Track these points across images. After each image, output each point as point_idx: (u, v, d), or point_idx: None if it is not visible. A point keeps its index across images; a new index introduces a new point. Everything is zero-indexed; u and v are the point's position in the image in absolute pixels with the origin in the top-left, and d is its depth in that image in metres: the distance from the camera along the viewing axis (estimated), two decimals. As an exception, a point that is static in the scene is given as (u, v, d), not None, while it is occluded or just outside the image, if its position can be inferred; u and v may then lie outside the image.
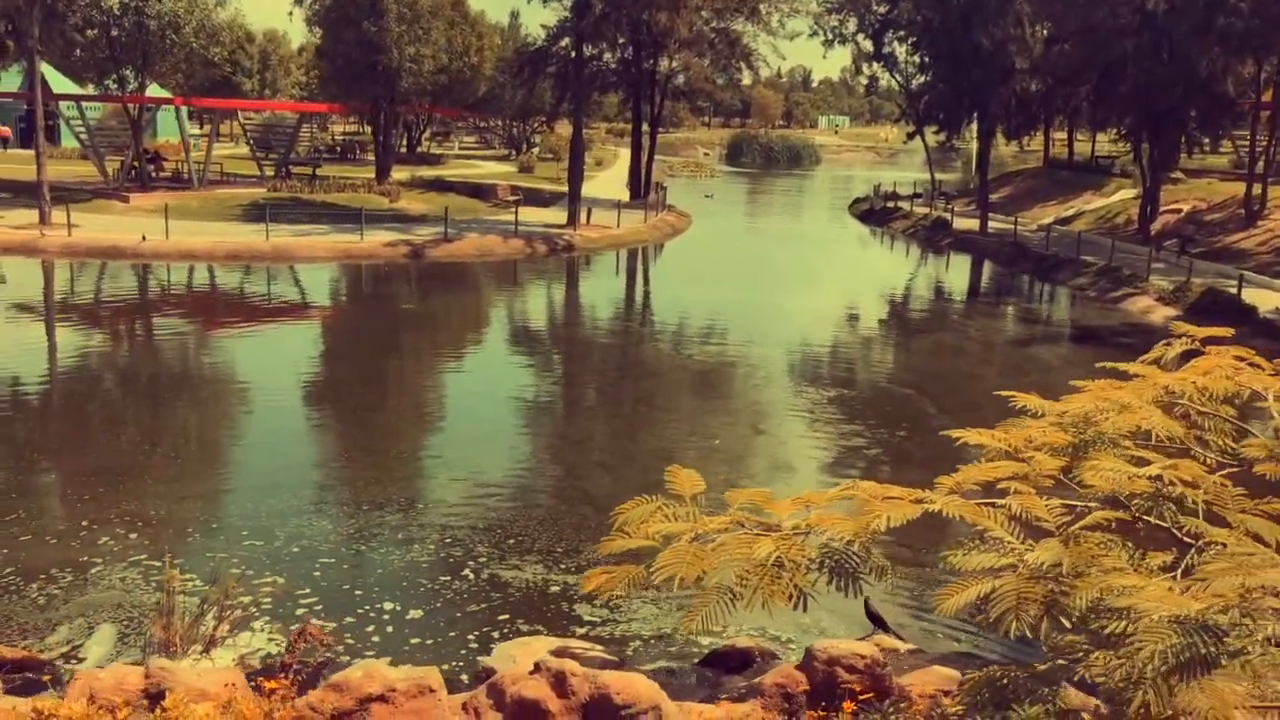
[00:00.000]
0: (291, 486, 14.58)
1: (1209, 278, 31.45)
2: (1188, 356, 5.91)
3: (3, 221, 33.84)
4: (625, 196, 49.98)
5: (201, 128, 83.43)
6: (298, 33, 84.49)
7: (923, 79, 52.34)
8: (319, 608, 11.18)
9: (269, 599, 11.35)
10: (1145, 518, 3.57)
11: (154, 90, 48.82)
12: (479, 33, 64.74)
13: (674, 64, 51.09)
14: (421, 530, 13.13)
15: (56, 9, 33.79)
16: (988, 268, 40.20)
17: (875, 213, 54.58)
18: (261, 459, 15.95)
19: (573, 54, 43.25)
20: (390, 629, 10.77)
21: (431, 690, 5.29)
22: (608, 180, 63.09)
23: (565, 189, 53.14)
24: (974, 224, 45.42)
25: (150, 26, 38.39)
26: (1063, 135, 69.33)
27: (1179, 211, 43.37)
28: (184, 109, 45.25)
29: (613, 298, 33.11)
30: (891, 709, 5.44)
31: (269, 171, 46.65)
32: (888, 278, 37.81)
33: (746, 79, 71.29)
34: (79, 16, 36.85)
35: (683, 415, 18.95)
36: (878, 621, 8.60)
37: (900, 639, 7.17)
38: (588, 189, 56.65)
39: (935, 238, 46.16)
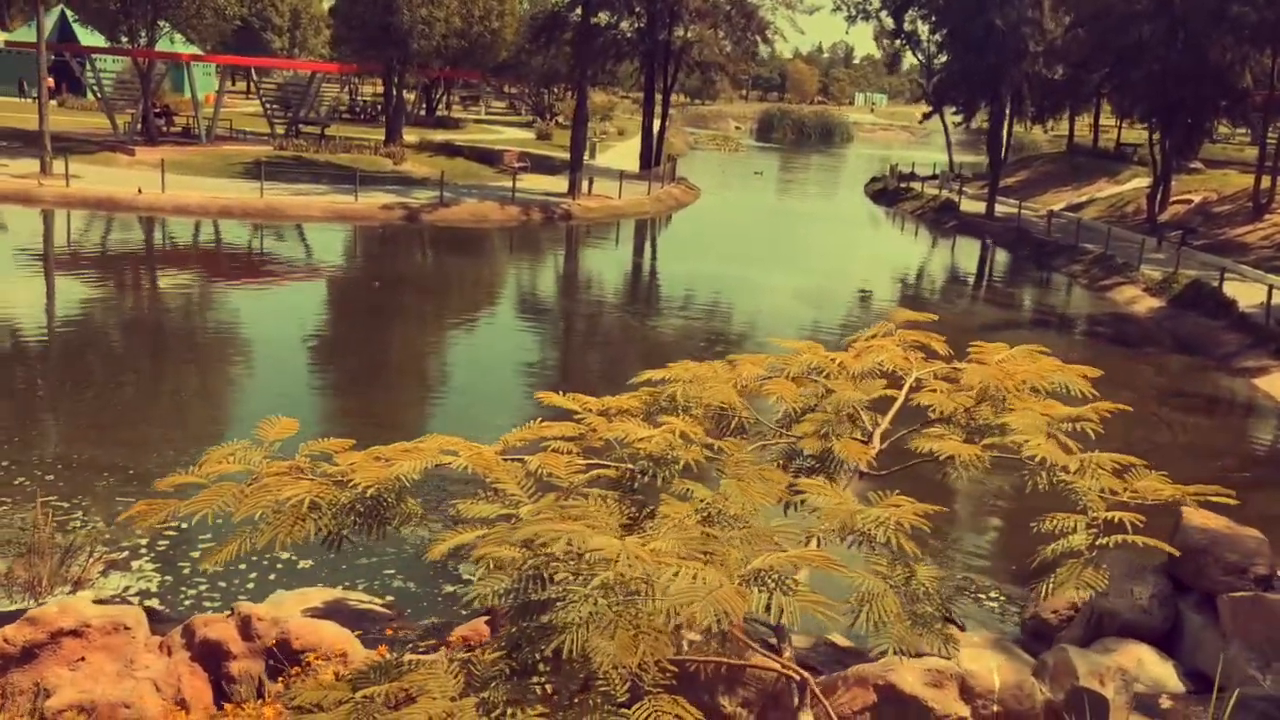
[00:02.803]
0: (222, 438, 14.92)
1: (1204, 270, 31.04)
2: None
3: (5, 170, 34.43)
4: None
5: (234, 84, 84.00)
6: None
7: (943, 58, 51.85)
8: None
9: (164, 543, 11.66)
10: (632, 470, 3.70)
11: (184, 46, 49.27)
12: (501, -2, 64.58)
13: (688, 35, 50.77)
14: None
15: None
16: (987, 252, 39.91)
17: (888, 193, 54.21)
18: (199, 412, 16.29)
19: (586, 19, 43.10)
20: (266, 574, 11.02)
21: (127, 628, 5.53)
22: (627, 150, 62.90)
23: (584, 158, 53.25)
24: (982, 207, 45.06)
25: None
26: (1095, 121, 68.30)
27: (1190, 202, 42.75)
28: (194, 65, 45.65)
29: (593, 267, 33.28)
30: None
31: (280, 130, 47.02)
32: (882, 257, 37.59)
33: (767, 52, 70.30)
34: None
35: (608, 379, 19.11)
36: None
37: None
38: (605, 159, 56.73)
39: (941, 220, 45.82)
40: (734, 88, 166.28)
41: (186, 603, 10.34)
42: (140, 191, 32.50)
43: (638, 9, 48.80)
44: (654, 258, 36.53)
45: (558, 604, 2.95)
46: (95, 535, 10.77)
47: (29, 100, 53.77)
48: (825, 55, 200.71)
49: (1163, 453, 16.99)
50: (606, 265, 33.95)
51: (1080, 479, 4.30)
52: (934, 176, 56.57)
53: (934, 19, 51.14)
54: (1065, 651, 6.18)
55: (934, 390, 5.10)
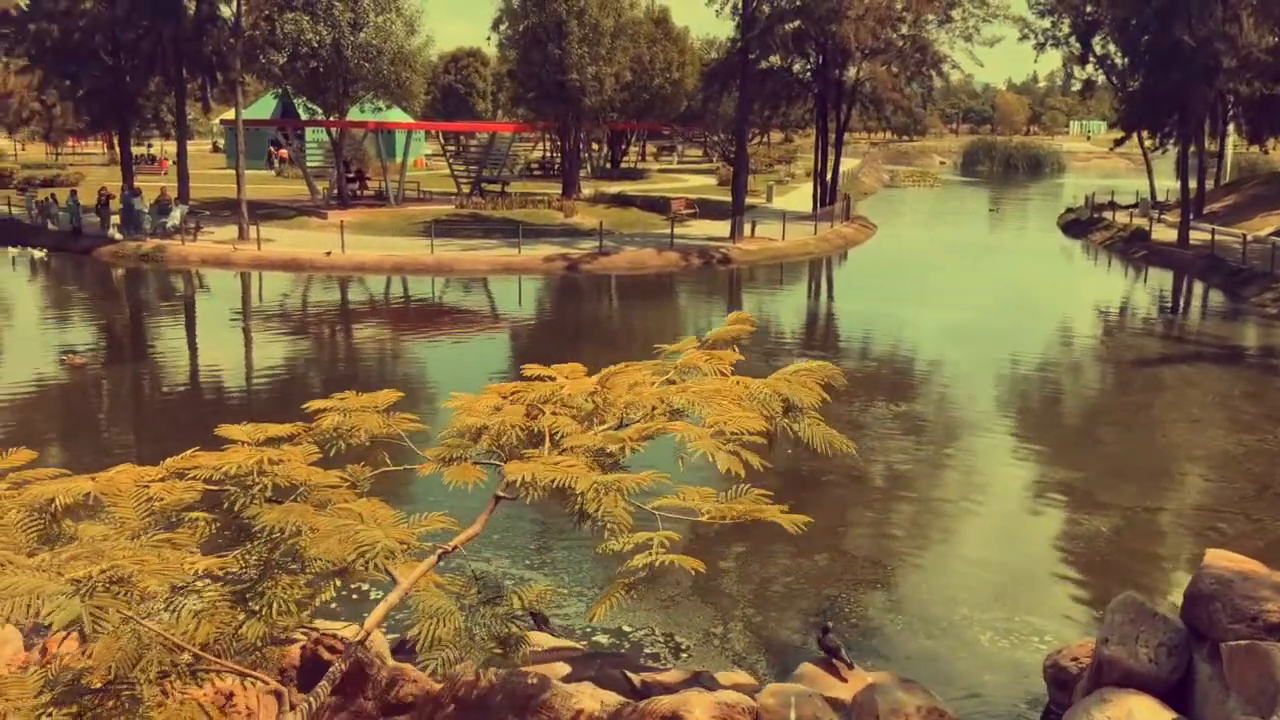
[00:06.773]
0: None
1: None
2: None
3: (210, 237, 37.95)
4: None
5: (444, 147, 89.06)
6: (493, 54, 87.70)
7: (1136, 80, 49.27)
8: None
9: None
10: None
11: (382, 114, 52.82)
12: (681, 49, 66.00)
13: (860, 73, 50.36)
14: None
15: (259, 43, 37.41)
16: (1175, 281, 37.54)
17: (1079, 224, 51.75)
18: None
19: (744, 65, 43.50)
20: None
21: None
22: (809, 192, 62.59)
23: (759, 201, 53.62)
24: (1175, 235, 42.32)
25: (349, 56, 41.92)
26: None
27: None
28: (388, 131, 48.92)
29: (741, 309, 33.24)
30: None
31: (465, 189, 49.52)
32: (1055, 291, 35.79)
33: (980, 85, 67.80)
34: (287, 50, 40.57)
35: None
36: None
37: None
38: (783, 201, 56.70)
39: (1129, 250, 43.34)
40: (942, 122, 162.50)
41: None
42: (329, 254, 34.99)
43: (809, 50, 48.87)
44: (812, 299, 36.15)
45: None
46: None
47: (271, 171, 59.54)
48: (1041, 85, 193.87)
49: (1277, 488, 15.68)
50: (753, 307, 33.90)
51: (599, 500, 4.23)
52: (1134, 205, 53.57)
53: (1122, 41, 48.73)
54: (871, 690, 5.91)
55: (567, 416, 5.12)
